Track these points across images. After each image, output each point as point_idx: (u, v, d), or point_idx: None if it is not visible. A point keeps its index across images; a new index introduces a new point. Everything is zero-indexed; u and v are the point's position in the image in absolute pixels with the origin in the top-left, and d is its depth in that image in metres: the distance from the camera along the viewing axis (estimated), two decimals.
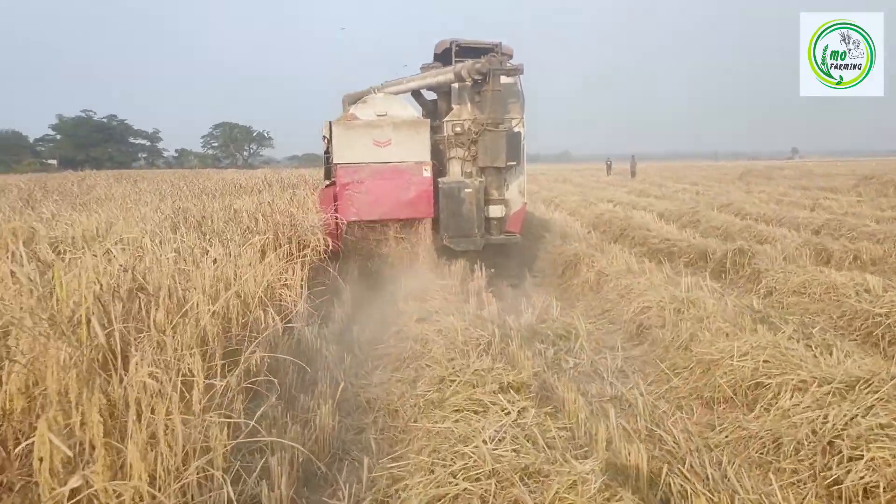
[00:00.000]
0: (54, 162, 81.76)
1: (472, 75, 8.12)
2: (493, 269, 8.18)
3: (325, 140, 8.61)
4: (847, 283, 6.39)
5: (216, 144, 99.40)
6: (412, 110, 8.74)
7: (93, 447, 2.40)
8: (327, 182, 8.73)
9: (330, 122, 8.28)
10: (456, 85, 8.55)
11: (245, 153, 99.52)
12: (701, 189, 25.94)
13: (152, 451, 2.45)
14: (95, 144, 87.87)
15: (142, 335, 3.14)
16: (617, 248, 10.39)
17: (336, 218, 7.76)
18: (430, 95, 9.63)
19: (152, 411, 2.56)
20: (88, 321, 2.77)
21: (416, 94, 9.46)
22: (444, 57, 8.93)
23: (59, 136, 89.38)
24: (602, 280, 7.42)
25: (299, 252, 6.16)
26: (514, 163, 8.51)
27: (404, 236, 8.31)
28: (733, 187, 27.21)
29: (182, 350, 3.03)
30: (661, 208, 16.59)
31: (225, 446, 2.71)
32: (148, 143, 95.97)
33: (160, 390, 2.59)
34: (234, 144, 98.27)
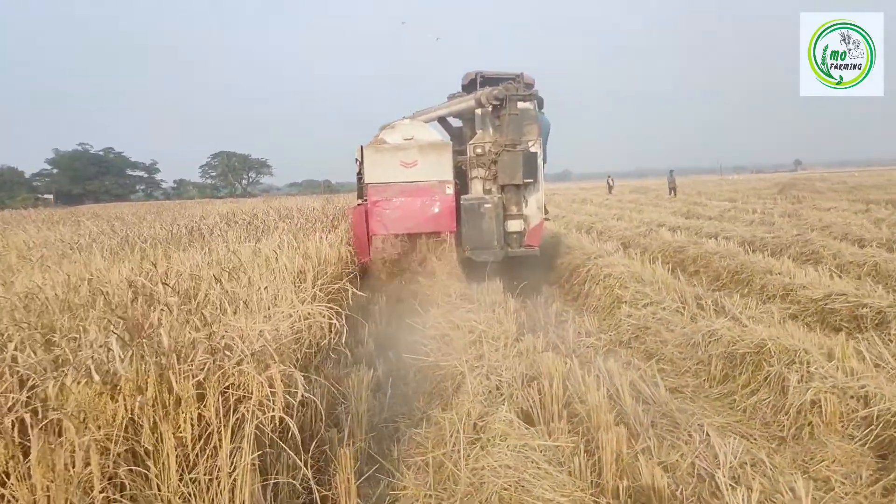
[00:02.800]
0: (50, 196, 79.62)
1: (490, 101, 8.81)
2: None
3: (358, 162, 9.18)
4: None
5: (214, 174, 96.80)
6: (436, 134, 9.27)
7: None
8: (359, 201, 9.28)
9: (361, 146, 8.84)
10: (479, 111, 9.07)
11: (244, 181, 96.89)
12: (754, 207, 21.88)
13: None
14: (92, 178, 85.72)
15: None
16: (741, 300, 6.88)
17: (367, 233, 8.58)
18: (457, 123, 10.25)
19: None
20: None
21: (443, 121, 10.04)
22: (470, 87, 9.48)
23: (55, 171, 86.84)
24: (851, 415, 3.73)
25: (223, 422, 2.50)
26: (531, 180, 8.93)
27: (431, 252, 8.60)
28: (786, 202, 23.43)
29: None
30: (737, 234, 12.84)
31: None
32: (146, 175, 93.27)
33: None
34: (233, 173, 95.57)
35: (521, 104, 8.81)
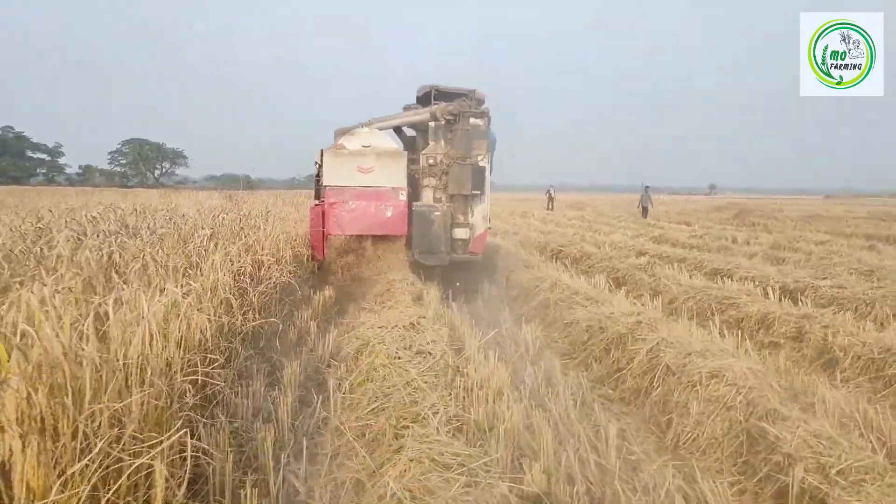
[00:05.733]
0: None
1: (444, 116, 9.40)
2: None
3: (317, 165, 9.52)
4: None
5: (124, 161, 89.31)
6: (393, 143, 9.81)
7: None
8: (316, 202, 9.54)
9: (321, 150, 9.28)
10: (432, 124, 9.59)
11: (156, 171, 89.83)
12: (725, 234, 18.85)
13: None
14: None
15: None
16: None
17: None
18: (411, 133, 10.72)
19: None
20: None
21: (398, 130, 10.50)
22: (424, 100, 10.15)
23: None
24: None
25: None
26: (479, 192, 9.52)
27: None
28: (758, 230, 20.96)
29: None
30: (766, 275, 9.66)
31: None
32: (48, 158, 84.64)
33: None
34: (144, 162, 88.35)
35: (472, 120, 9.42)
